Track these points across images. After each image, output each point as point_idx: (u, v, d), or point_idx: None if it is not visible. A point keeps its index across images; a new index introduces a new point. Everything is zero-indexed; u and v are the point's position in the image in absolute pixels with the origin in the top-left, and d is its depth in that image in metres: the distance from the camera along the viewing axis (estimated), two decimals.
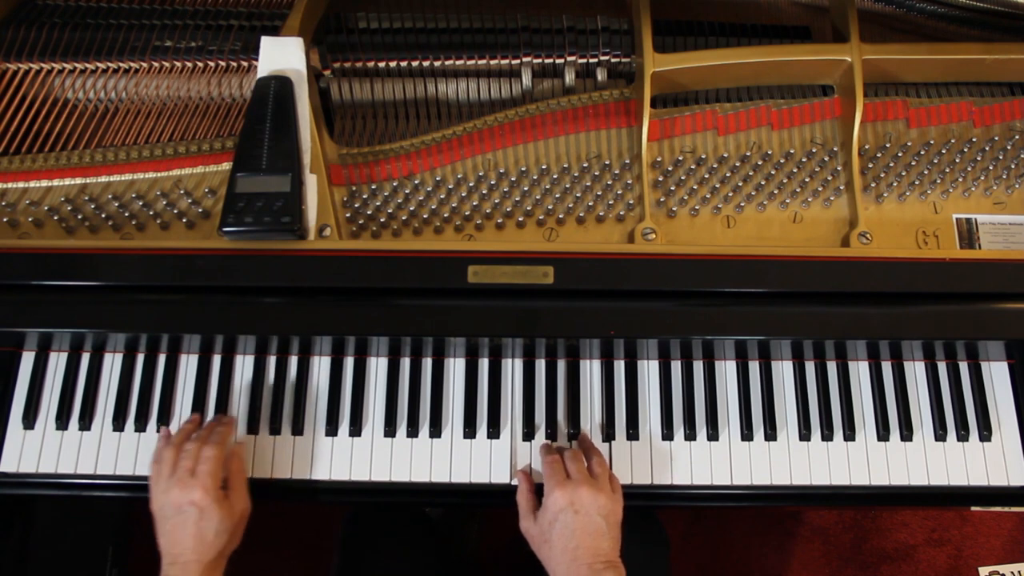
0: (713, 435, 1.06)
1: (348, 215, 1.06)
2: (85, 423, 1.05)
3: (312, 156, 1.03)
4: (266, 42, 1.06)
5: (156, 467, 0.95)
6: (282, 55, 1.06)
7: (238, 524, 0.94)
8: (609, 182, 1.08)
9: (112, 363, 1.08)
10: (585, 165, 1.08)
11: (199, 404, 1.06)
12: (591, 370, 1.09)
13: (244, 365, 1.08)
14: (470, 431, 1.06)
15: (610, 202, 1.06)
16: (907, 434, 1.07)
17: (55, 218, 1.04)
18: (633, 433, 1.06)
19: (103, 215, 1.04)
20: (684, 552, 1.78)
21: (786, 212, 1.08)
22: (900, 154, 1.10)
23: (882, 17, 1.20)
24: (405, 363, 1.08)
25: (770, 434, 1.06)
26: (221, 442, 0.96)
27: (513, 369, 1.08)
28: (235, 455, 0.98)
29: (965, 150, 1.10)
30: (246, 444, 1.04)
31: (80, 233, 1.04)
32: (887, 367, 1.10)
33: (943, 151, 1.11)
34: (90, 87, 1.12)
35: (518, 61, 1.13)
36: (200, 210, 1.04)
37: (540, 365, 1.09)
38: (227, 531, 0.91)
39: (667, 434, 1.06)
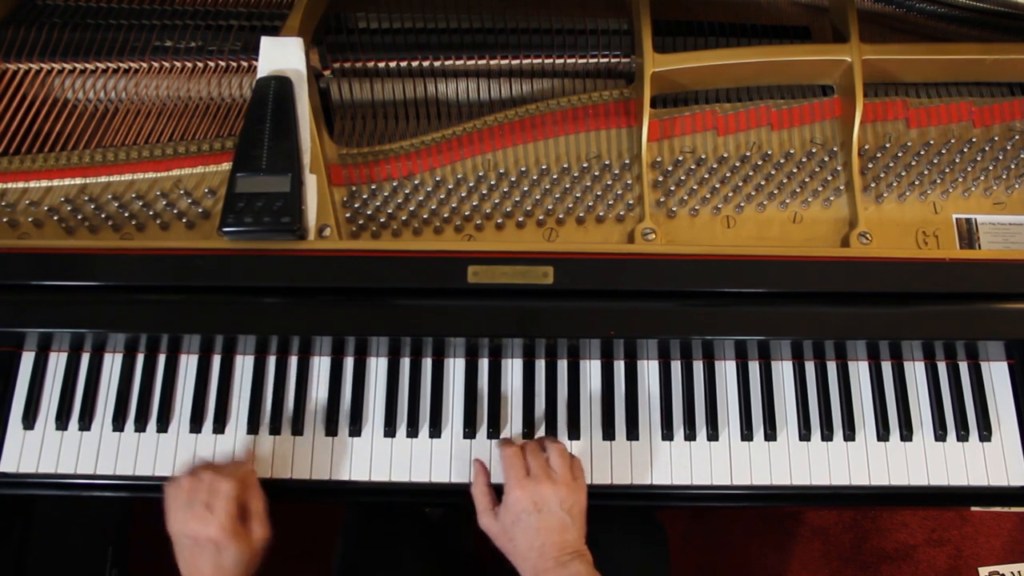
0: (713, 435, 1.06)
1: (348, 215, 1.06)
2: (85, 423, 1.05)
3: (312, 156, 1.03)
4: (266, 42, 1.06)
5: (171, 491, 0.92)
6: (282, 55, 1.06)
7: (257, 552, 0.92)
8: (609, 182, 1.08)
9: (112, 363, 1.08)
10: (585, 165, 1.08)
11: (199, 404, 1.06)
12: (591, 370, 1.09)
13: (244, 365, 1.08)
14: (470, 431, 1.05)
15: (610, 202, 1.06)
16: (907, 434, 1.07)
17: (55, 218, 1.04)
18: (633, 433, 1.06)
19: (103, 215, 1.04)
20: (684, 552, 1.78)
21: (786, 212, 1.08)
22: (900, 154, 1.10)
23: (882, 17, 1.20)
24: (405, 363, 1.08)
25: (770, 434, 1.06)
26: (238, 476, 0.93)
27: (513, 369, 1.08)
28: (251, 484, 0.95)
29: (965, 150, 1.10)
30: (255, 471, 1.00)
31: (80, 233, 1.04)
32: (887, 367, 1.10)
33: (943, 151, 1.11)
34: (90, 87, 1.12)
35: (518, 61, 1.12)
36: (200, 210, 1.04)
37: (540, 365, 1.09)
38: (246, 562, 0.90)
39: (667, 434, 1.06)
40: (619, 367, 1.09)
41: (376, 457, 1.05)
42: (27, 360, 1.08)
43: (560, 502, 0.91)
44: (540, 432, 1.06)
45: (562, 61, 1.12)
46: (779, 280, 0.99)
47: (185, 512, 0.90)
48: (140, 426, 1.05)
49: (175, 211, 1.04)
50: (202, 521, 0.88)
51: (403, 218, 1.06)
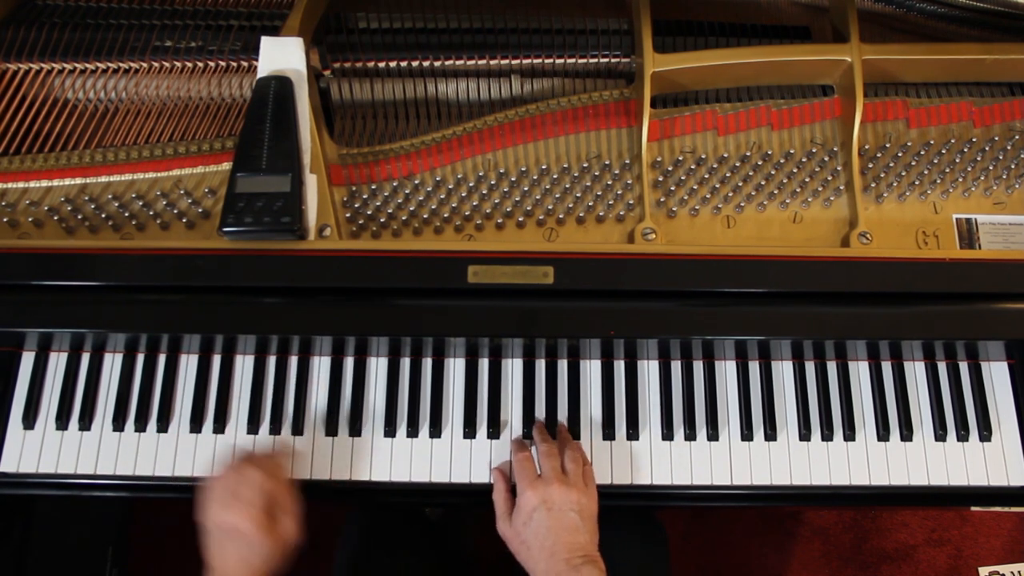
0: (713, 435, 1.06)
1: (348, 215, 1.06)
2: (85, 423, 1.05)
3: (312, 156, 1.03)
4: (266, 42, 1.06)
5: (210, 483, 0.91)
6: (282, 55, 1.06)
7: (285, 549, 0.91)
8: (609, 182, 1.08)
9: (112, 363, 1.08)
10: (585, 165, 1.08)
11: (199, 404, 1.06)
12: (591, 370, 1.09)
13: (244, 365, 1.08)
14: (470, 431, 1.05)
15: (610, 202, 1.06)
16: (907, 434, 1.07)
17: (55, 218, 1.04)
18: (633, 433, 1.06)
19: (103, 215, 1.04)
20: (684, 552, 1.78)
21: (786, 212, 1.08)
22: (900, 154, 1.10)
23: (882, 17, 1.20)
24: (405, 363, 1.08)
25: (770, 434, 1.06)
26: (267, 467, 0.92)
27: (513, 369, 1.08)
28: (281, 480, 0.93)
29: (965, 150, 1.10)
30: (287, 468, 0.99)
31: (80, 233, 1.04)
32: (887, 367, 1.10)
33: (943, 151, 1.11)
34: (90, 87, 1.12)
35: (518, 61, 1.12)
36: (200, 210, 1.04)
37: (540, 365, 1.09)
38: (273, 558, 0.88)
39: (667, 434, 1.06)
40: (619, 367, 1.09)
41: (376, 457, 1.05)
42: (27, 360, 1.08)
43: (571, 503, 0.91)
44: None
45: (562, 61, 1.12)
46: (779, 280, 0.99)
47: (216, 501, 0.90)
48: (140, 426, 1.05)
49: (175, 211, 1.04)
50: (229, 509, 0.88)
51: (403, 218, 1.06)
